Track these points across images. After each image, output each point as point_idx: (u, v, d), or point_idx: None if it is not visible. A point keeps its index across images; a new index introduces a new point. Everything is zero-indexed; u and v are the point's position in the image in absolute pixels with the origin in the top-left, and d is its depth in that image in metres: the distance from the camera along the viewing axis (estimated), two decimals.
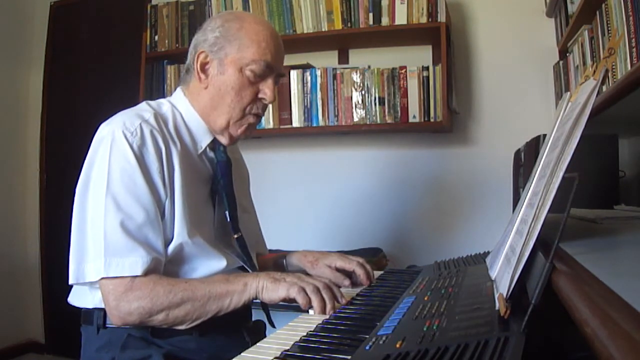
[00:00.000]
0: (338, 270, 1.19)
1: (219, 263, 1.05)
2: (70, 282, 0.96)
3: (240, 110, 1.07)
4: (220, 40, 1.06)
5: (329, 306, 0.91)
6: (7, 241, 2.91)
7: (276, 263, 1.30)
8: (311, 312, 0.91)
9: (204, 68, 1.07)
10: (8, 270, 2.88)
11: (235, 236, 1.11)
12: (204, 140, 1.10)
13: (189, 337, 0.99)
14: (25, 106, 3.04)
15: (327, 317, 0.87)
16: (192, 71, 1.09)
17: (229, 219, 1.10)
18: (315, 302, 0.90)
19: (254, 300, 0.97)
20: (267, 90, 1.07)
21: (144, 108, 1.05)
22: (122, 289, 0.91)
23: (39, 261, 2.98)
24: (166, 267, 0.98)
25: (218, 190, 1.10)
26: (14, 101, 3.00)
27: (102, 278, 0.91)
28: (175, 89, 1.16)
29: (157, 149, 0.98)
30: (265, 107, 1.11)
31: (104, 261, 0.90)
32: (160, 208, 0.98)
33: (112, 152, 0.95)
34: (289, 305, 0.97)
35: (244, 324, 1.12)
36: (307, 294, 0.91)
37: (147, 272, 0.92)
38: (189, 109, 1.09)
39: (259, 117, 1.11)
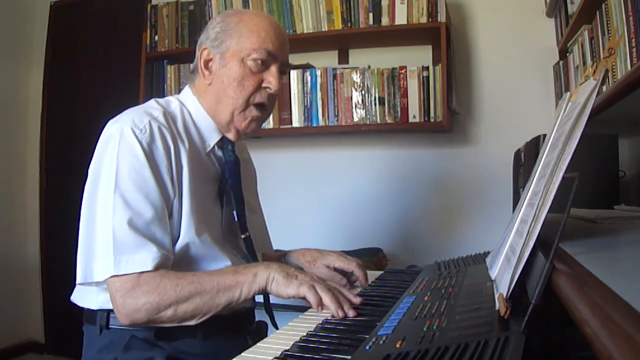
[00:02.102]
0: (336, 270, 1.18)
1: (225, 265, 1.04)
2: (79, 281, 0.94)
3: (244, 100, 1.06)
4: (220, 35, 1.06)
5: (346, 306, 0.88)
6: (7, 241, 2.91)
7: (277, 262, 1.29)
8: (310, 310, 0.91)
9: (207, 65, 1.07)
10: (8, 270, 2.88)
11: (243, 236, 1.10)
12: (212, 139, 1.09)
13: (192, 341, 0.98)
14: (25, 106, 3.04)
15: (329, 317, 0.87)
16: (197, 69, 1.10)
17: (236, 219, 1.09)
18: (327, 299, 0.88)
19: (257, 300, 0.97)
20: (271, 78, 1.06)
21: (153, 106, 1.04)
22: (130, 285, 0.89)
23: (39, 261, 2.98)
24: (172, 268, 0.97)
25: (226, 190, 1.10)
26: (14, 101, 3.00)
27: (111, 276, 0.89)
28: (181, 88, 1.15)
29: (166, 146, 0.98)
30: (271, 98, 1.09)
31: (113, 259, 0.89)
32: (168, 206, 0.97)
33: (121, 149, 0.94)
34: (290, 305, 0.97)
35: (247, 328, 1.12)
36: (317, 293, 0.89)
37: (157, 268, 0.90)
38: (198, 107, 1.09)
39: (264, 109, 1.09)
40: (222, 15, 1.10)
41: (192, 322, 0.93)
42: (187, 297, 0.90)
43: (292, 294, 0.90)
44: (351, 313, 0.87)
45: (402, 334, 0.66)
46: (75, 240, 0.96)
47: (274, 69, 1.06)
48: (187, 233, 0.99)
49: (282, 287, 0.91)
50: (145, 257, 0.90)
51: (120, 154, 0.94)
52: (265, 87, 1.07)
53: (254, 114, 1.08)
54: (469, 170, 2.27)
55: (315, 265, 1.20)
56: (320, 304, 0.88)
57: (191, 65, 1.14)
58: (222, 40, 1.05)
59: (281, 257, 1.29)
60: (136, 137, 0.95)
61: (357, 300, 0.91)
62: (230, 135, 1.10)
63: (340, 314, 0.86)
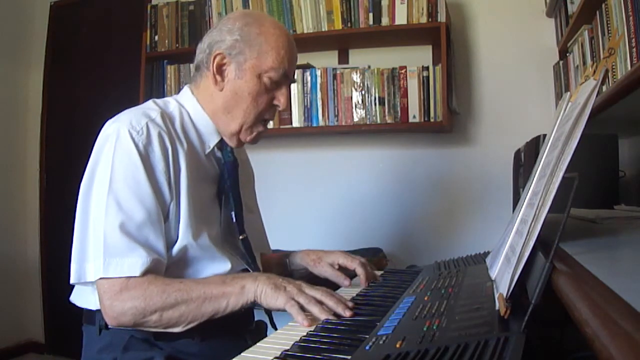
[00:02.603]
0: (340, 268, 1.18)
1: (224, 266, 1.04)
2: (72, 281, 0.95)
3: (255, 116, 1.07)
4: (239, 44, 1.04)
5: (339, 308, 0.87)
6: (7, 241, 2.91)
7: (279, 262, 1.29)
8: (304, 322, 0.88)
9: (220, 70, 1.05)
10: (8, 270, 2.88)
11: (241, 237, 1.10)
12: (212, 140, 1.09)
13: (191, 341, 0.98)
14: (25, 106, 3.04)
15: (330, 318, 0.86)
16: (203, 70, 1.08)
17: (234, 220, 1.09)
18: (315, 312, 0.86)
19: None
20: (281, 98, 1.08)
21: (151, 107, 1.04)
22: (117, 288, 0.90)
23: (39, 261, 2.98)
24: (170, 269, 0.97)
25: (224, 191, 1.10)
26: (14, 101, 3.00)
27: (100, 278, 0.90)
28: (181, 88, 1.15)
29: (163, 148, 0.97)
30: (275, 113, 1.12)
31: (102, 261, 0.89)
32: (164, 209, 0.97)
33: (117, 150, 0.94)
34: None
35: (246, 328, 1.12)
36: (301, 310, 0.86)
37: (145, 273, 0.91)
38: (197, 108, 1.08)
39: (267, 123, 1.13)
40: (242, 21, 1.06)
41: (177, 329, 0.93)
42: (173, 305, 0.90)
43: (281, 307, 0.89)
44: (347, 313, 0.86)
45: (402, 334, 0.66)
46: None
47: (284, 88, 1.08)
48: (185, 235, 0.99)
49: (271, 299, 0.90)
50: (135, 262, 0.90)
51: (115, 156, 0.94)
52: (274, 105, 1.09)
53: (261, 129, 1.11)
54: (469, 170, 2.27)
55: (319, 264, 1.20)
56: (307, 321, 0.85)
57: (191, 65, 1.13)
58: (240, 50, 1.04)
59: (284, 258, 1.29)
60: (132, 139, 0.94)
61: (349, 304, 0.89)
62: (231, 143, 1.11)
63: (343, 313, 0.85)
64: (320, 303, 0.88)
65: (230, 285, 0.92)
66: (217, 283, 0.93)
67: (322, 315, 0.85)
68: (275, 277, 0.94)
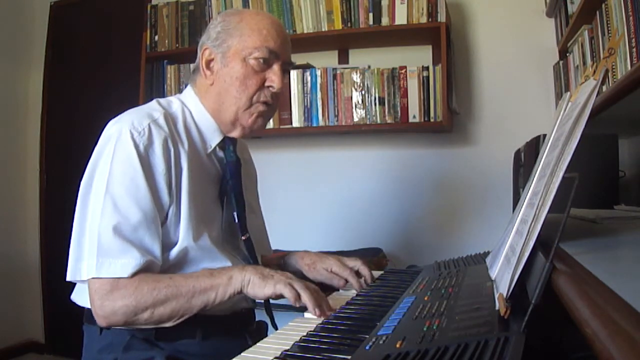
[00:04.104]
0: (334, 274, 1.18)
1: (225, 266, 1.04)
2: (68, 279, 0.96)
3: (247, 98, 1.05)
4: (221, 35, 1.05)
5: (324, 305, 0.89)
6: (7, 241, 2.91)
7: (277, 264, 1.29)
8: (307, 314, 0.91)
9: (209, 64, 1.07)
10: (8, 270, 2.88)
11: (243, 238, 1.10)
12: (214, 140, 1.09)
13: (192, 341, 0.98)
14: (25, 106, 3.04)
15: (328, 317, 0.87)
16: (197, 69, 1.09)
17: (237, 220, 1.09)
18: (305, 296, 0.88)
19: (257, 301, 0.96)
20: (273, 76, 1.05)
21: (154, 107, 1.04)
22: (108, 287, 0.90)
23: (39, 261, 2.98)
24: (170, 271, 0.97)
25: (227, 191, 1.09)
26: (14, 101, 3.00)
27: (92, 277, 0.90)
28: (182, 88, 1.15)
29: (164, 150, 0.97)
30: (275, 96, 1.08)
31: (96, 261, 0.90)
32: (163, 212, 0.97)
33: (117, 151, 0.94)
34: (290, 306, 0.96)
35: (247, 328, 1.12)
36: (294, 289, 0.89)
37: (137, 274, 0.91)
38: (199, 107, 1.08)
39: (269, 106, 1.08)
40: (223, 14, 1.09)
41: (169, 324, 0.94)
42: (164, 301, 0.91)
43: (269, 294, 0.90)
44: (329, 314, 0.88)
45: (402, 334, 0.66)
46: None
47: (276, 67, 1.06)
48: (186, 236, 0.99)
49: (259, 288, 0.91)
50: (128, 263, 0.90)
51: (115, 157, 0.94)
52: (268, 86, 1.06)
53: (260, 109, 1.07)
54: (469, 170, 2.27)
55: (314, 269, 1.20)
56: (298, 299, 0.88)
57: (192, 65, 1.14)
58: (223, 39, 1.05)
59: (281, 259, 1.29)
60: (134, 140, 0.94)
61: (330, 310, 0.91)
62: (236, 133, 1.10)
63: (318, 312, 0.87)
64: (307, 289, 0.90)
65: (218, 277, 0.93)
66: (206, 276, 0.94)
67: (310, 302, 0.87)
68: (262, 268, 0.95)
